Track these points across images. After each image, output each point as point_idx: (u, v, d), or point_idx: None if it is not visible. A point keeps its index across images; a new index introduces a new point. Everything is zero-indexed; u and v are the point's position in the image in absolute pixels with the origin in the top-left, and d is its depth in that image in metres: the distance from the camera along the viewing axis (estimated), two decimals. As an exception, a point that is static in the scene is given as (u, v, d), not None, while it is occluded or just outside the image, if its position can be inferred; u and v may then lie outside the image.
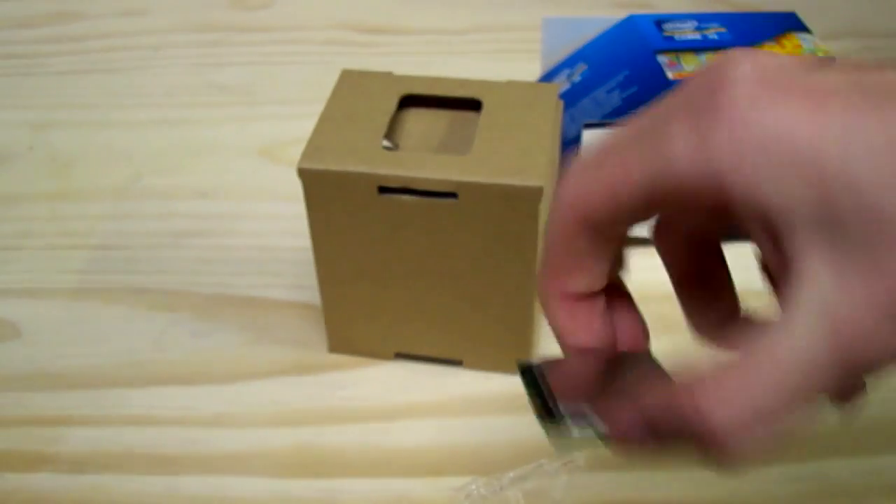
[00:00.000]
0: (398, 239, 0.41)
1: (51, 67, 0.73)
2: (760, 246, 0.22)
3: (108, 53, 0.74)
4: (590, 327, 0.26)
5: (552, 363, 0.26)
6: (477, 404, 0.45)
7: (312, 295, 0.50)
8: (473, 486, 0.40)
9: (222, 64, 0.73)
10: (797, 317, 0.20)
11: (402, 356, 0.47)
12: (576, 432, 0.24)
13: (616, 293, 0.27)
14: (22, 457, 0.43)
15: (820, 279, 0.20)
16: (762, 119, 0.20)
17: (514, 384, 0.46)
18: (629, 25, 0.57)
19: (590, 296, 0.25)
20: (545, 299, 0.26)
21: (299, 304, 0.50)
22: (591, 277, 0.25)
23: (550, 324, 0.26)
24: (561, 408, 0.24)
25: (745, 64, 0.21)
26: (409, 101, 0.45)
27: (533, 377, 0.26)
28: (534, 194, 0.38)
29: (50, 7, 0.80)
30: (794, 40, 0.55)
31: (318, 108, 0.43)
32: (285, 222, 0.55)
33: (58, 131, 0.65)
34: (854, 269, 0.19)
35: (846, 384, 0.23)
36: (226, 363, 0.47)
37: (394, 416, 0.44)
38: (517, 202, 0.39)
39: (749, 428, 0.21)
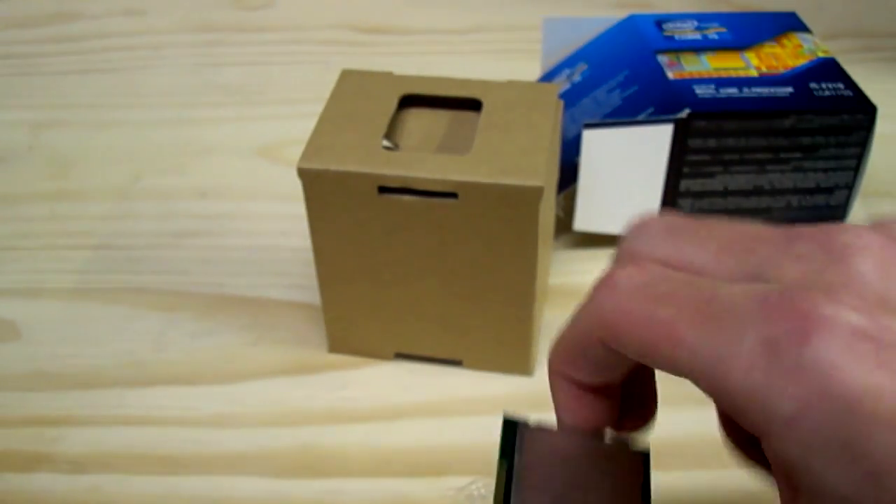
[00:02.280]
0: (398, 239, 0.41)
1: (51, 67, 0.73)
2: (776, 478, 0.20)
3: (108, 53, 0.74)
4: (585, 412, 0.25)
5: (537, 432, 0.26)
6: (477, 404, 0.45)
7: (312, 295, 0.50)
8: (474, 487, 0.40)
9: (222, 64, 0.73)
10: None
11: (402, 356, 0.47)
12: None
13: (638, 380, 0.26)
14: (22, 457, 0.43)
15: None
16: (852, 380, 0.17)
17: (514, 384, 0.46)
18: (629, 25, 0.57)
19: (596, 386, 0.24)
20: (550, 372, 0.25)
21: (299, 304, 0.50)
22: (595, 377, 0.24)
23: (551, 392, 0.25)
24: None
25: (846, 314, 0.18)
26: (409, 101, 0.45)
27: (513, 436, 0.26)
28: (534, 194, 0.38)
29: (50, 7, 0.80)
30: (794, 40, 0.55)
31: (318, 108, 0.43)
32: (285, 222, 0.55)
33: (58, 131, 0.65)
34: None
35: None
36: (226, 363, 0.47)
37: (394, 416, 0.44)
38: (517, 202, 0.39)
39: None
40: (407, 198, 0.40)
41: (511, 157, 0.40)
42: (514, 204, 0.39)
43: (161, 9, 0.80)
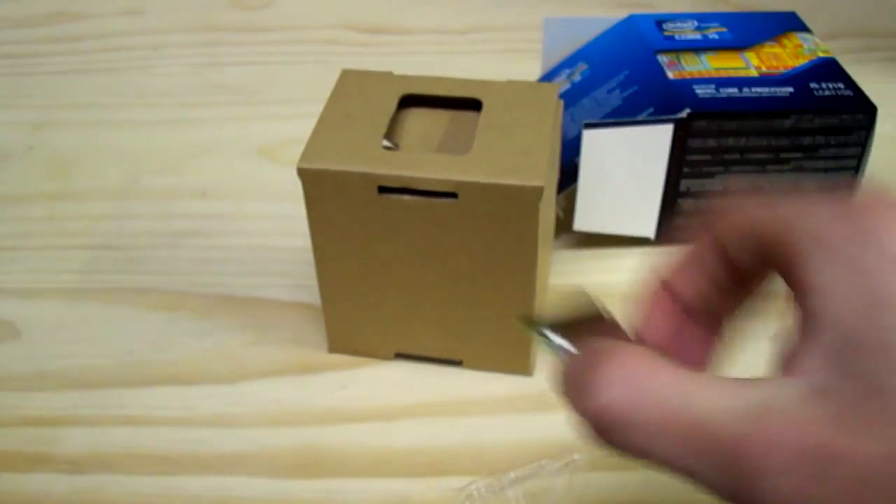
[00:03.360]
0: (398, 239, 0.41)
1: (51, 67, 0.73)
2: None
3: (108, 53, 0.74)
4: (661, 329, 0.25)
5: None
6: (477, 404, 0.45)
7: (312, 295, 0.50)
8: (474, 487, 0.40)
9: (222, 64, 0.73)
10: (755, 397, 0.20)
11: (402, 356, 0.47)
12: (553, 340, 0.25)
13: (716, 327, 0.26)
14: (21, 457, 0.43)
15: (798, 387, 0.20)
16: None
17: (514, 384, 0.46)
18: (629, 25, 0.57)
19: (687, 313, 0.25)
20: (650, 280, 0.25)
21: (299, 304, 0.50)
22: (695, 291, 0.25)
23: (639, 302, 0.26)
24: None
25: None
26: (409, 101, 0.45)
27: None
28: (534, 194, 0.38)
29: (50, 7, 0.80)
30: (794, 40, 0.55)
31: (318, 108, 0.43)
32: (285, 222, 0.55)
33: (58, 131, 0.65)
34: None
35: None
36: (226, 363, 0.47)
37: (394, 416, 0.44)
38: (517, 202, 0.39)
39: (619, 427, 0.21)
40: (407, 198, 0.40)
41: (511, 157, 0.40)
42: (514, 204, 0.39)
43: (161, 9, 0.80)
